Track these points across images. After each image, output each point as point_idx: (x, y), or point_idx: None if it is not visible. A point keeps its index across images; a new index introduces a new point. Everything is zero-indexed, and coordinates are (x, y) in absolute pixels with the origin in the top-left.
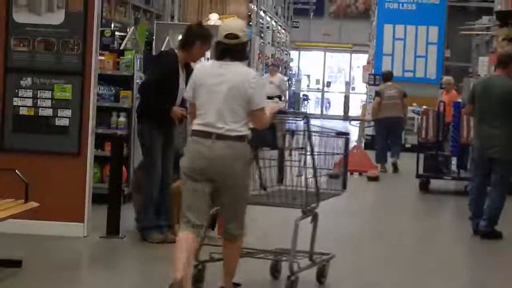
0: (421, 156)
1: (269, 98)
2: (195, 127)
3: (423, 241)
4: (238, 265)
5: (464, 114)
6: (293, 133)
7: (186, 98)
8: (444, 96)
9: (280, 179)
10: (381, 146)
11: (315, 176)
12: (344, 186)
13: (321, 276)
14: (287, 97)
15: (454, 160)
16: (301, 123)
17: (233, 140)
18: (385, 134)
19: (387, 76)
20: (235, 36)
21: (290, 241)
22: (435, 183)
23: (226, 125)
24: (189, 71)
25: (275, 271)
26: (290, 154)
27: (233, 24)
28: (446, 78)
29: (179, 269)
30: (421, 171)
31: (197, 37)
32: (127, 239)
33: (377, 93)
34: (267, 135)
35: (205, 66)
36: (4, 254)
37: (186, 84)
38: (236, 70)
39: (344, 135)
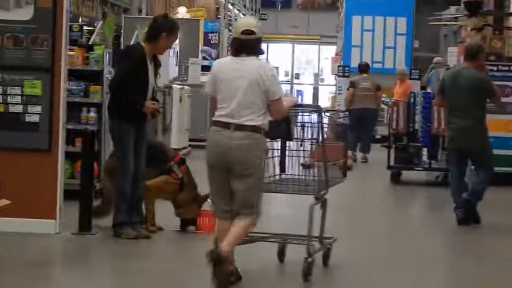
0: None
1: None
2: (216, 118)
3: (397, 233)
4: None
5: (434, 106)
6: (303, 125)
7: (206, 94)
8: (398, 87)
9: (283, 168)
10: (353, 136)
11: (325, 165)
12: (345, 174)
13: (326, 258)
14: None
15: (425, 151)
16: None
17: (250, 130)
18: (357, 125)
19: (364, 68)
20: (251, 32)
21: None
22: (406, 174)
23: (245, 116)
24: (156, 63)
25: (282, 255)
26: (301, 145)
27: (249, 21)
28: (400, 69)
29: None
30: (392, 163)
31: (163, 29)
32: (100, 235)
33: (352, 84)
34: (282, 127)
35: (223, 63)
36: None
37: (155, 76)
38: (253, 64)
39: (343, 125)
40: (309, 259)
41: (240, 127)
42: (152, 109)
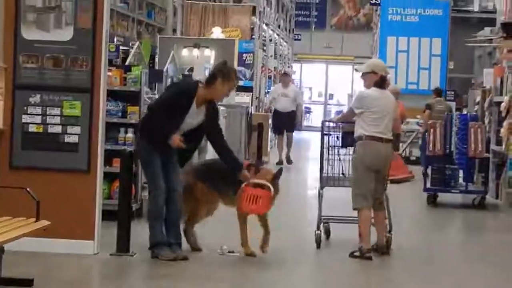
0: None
1: (282, 113)
2: (371, 134)
3: (437, 257)
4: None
5: None
6: None
7: (354, 112)
8: None
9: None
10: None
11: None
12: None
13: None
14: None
15: (461, 173)
16: None
17: (390, 142)
18: None
19: (438, 92)
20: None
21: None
22: (442, 197)
23: (389, 133)
24: (213, 107)
25: (328, 233)
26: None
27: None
28: (391, 88)
29: (367, 240)
30: (428, 184)
31: (218, 74)
32: (138, 256)
33: (428, 106)
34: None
35: (374, 93)
36: (16, 272)
37: (212, 119)
38: (389, 95)
39: None
40: (389, 235)
41: (387, 140)
42: (177, 144)
